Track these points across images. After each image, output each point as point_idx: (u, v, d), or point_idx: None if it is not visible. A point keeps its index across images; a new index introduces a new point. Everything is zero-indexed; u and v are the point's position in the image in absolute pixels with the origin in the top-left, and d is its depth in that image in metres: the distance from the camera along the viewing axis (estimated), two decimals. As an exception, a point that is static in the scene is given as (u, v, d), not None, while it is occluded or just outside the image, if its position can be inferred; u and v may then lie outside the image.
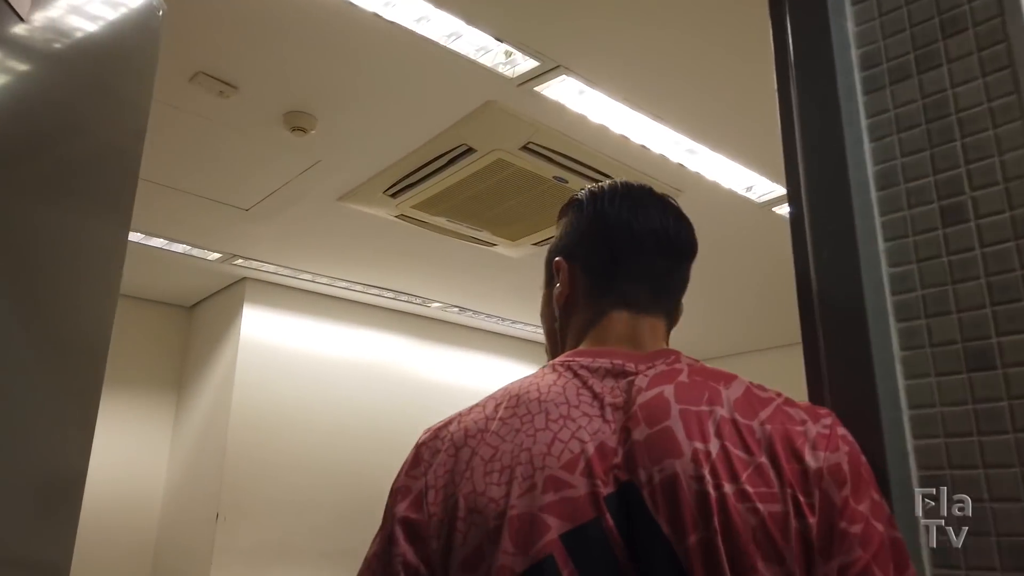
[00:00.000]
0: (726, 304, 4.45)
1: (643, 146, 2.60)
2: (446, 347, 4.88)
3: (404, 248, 3.65)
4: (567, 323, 0.86)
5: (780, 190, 2.92)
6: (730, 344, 5.36)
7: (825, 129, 0.85)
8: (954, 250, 0.75)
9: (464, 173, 2.75)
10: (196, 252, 3.72)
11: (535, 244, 3.40)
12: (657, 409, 0.68)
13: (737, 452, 0.65)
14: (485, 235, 3.31)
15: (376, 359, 4.52)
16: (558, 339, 0.87)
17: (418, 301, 4.46)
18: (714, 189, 2.88)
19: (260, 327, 4.11)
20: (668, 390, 0.70)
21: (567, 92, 2.33)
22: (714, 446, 0.65)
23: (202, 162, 2.80)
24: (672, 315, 0.84)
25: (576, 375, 0.74)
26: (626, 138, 2.55)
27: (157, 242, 3.59)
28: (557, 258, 0.87)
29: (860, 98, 0.85)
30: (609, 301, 0.81)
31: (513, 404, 0.73)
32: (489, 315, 4.73)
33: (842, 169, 0.82)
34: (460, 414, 0.77)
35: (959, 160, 0.76)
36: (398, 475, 0.79)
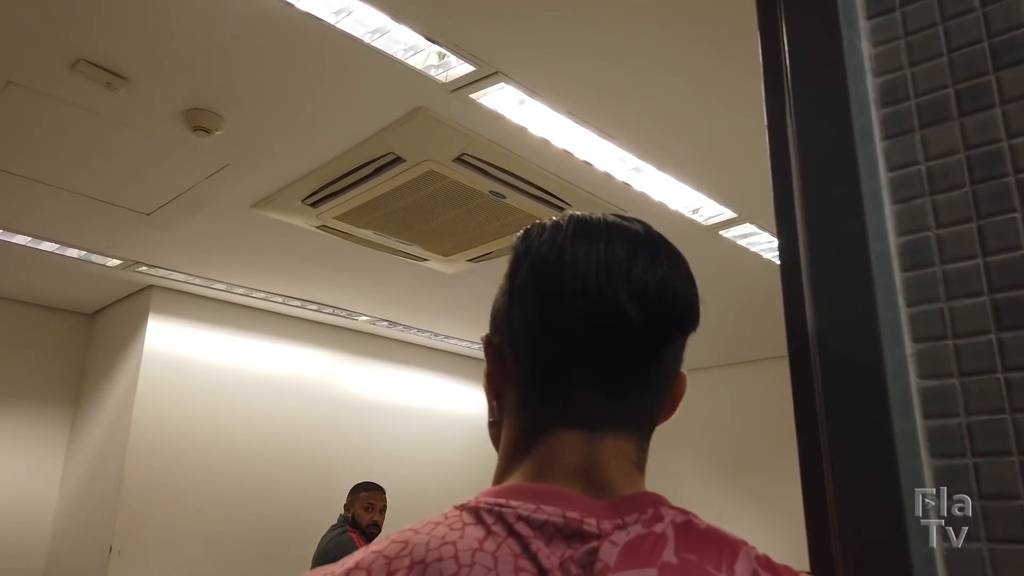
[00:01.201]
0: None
1: (587, 162, 2.40)
2: (375, 362, 4.60)
3: (328, 259, 3.38)
4: (500, 428, 0.62)
5: (728, 213, 2.77)
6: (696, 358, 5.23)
7: (833, 182, 0.64)
8: (1012, 366, 0.55)
9: (392, 184, 2.50)
10: (94, 258, 3.36)
11: (470, 260, 3.17)
12: None
13: None
14: (415, 249, 3.06)
15: (297, 374, 4.21)
16: (494, 440, 0.64)
17: (343, 314, 4.17)
18: (660, 211, 2.70)
19: (167, 338, 3.76)
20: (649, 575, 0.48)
21: (506, 101, 2.11)
22: None
23: (93, 161, 2.47)
24: (652, 425, 0.60)
25: (512, 532, 0.50)
26: (569, 153, 2.34)
27: (48, 246, 3.22)
28: (483, 335, 0.63)
29: (879, 143, 0.64)
30: (548, 411, 0.57)
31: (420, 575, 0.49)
32: (421, 330, 4.47)
33: (858, 235, 0.61)
34: None
35: (1019, 236, 0.56)
36: None
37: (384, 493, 3.54)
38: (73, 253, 3.30)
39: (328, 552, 3.24)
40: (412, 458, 4.57)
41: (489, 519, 0.51)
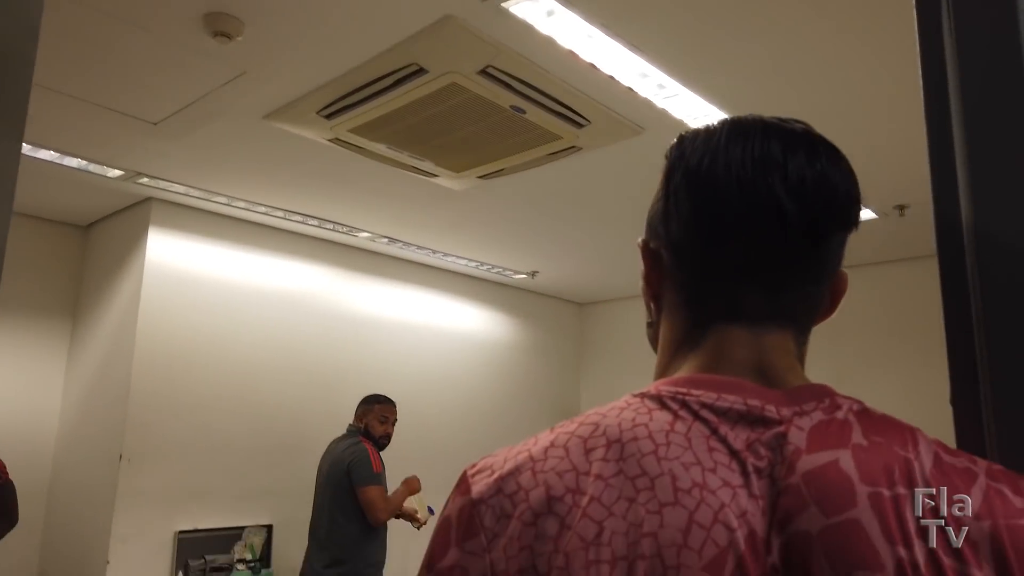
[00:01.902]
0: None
1: (611, 77, 2.37)
2: (374, 279, 4.61)
3: (333, 174, 3.34)
4: (659, 328, 0.65)
5: (745, 133, 2.76)
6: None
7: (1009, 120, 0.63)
8: None
9: (412, 96, 2.46)
10: (93, 168, 3.28)
11: (481, 177, 3.15)
12: (834, 488, 0.49)
13: (949, 562, 0.47)
14: (427, 165, 3.03)
15: (297, 289, 4.21)
16: (653, 344, 0.67)
17: (344, 230, 4.15)
18: (679, 128, 2.69)
19: (168, 252, 3.73)
20: (845, 458, 0.50)
21: (537, 11, 2.06)
22: (920, 553, 0.47)
23: (99, 65, 2.38)
24: (811, 321, 0.61)
25: (697, 417, 0.53)
26: (594, 67, 2.31)
27: (46, 154, 3.13)
28: (639, 239, 0.65)
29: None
30: (710, 309, 0.59)
31: (616, 455, 0.52)
32: (421, 247, 4.47)
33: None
34: (528, 456, 0.55)
35: None
36: (437, 544, 0.56)
37: (395, 407, 3.61)
38: (72, 163, 3.22)
39: (343, 461, 3.32)
40: (411, 374, 4.65)
41: (674, 405, 0.55)
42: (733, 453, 0.52)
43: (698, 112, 2.60)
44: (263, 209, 3.80)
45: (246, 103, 2.62)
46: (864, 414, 0.55)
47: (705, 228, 0.59)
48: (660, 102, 2.53)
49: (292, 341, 4.13)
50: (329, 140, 2.84)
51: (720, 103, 2.55)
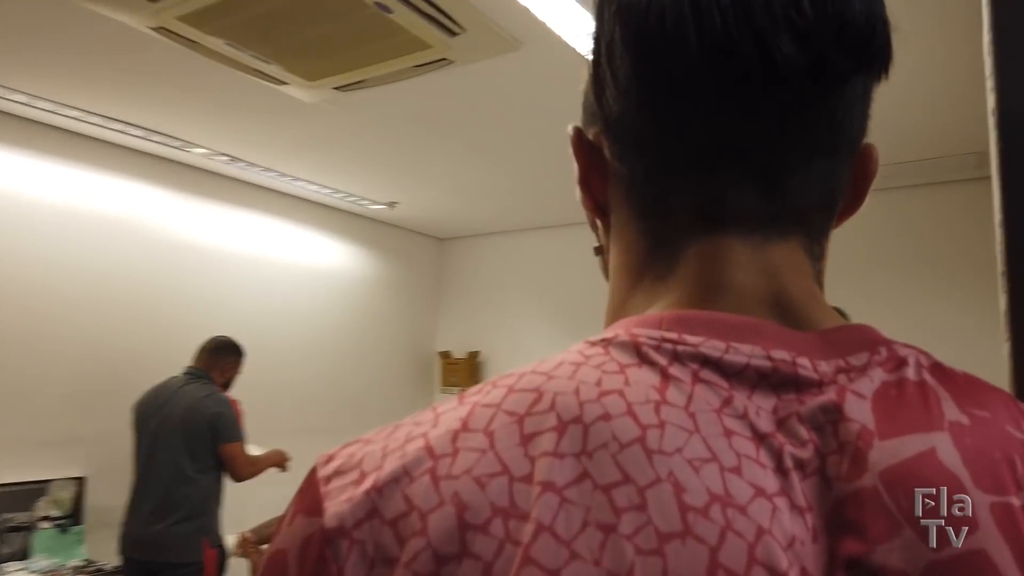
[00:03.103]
0: (552, 174, 4.20)
1: (491, -21, 2.11)
2: (210, 202, 4.12)
3: (160, 74, 2.86)
4: (610, 250, 0.45)
5: (627, 58, 2.60)
6: (545, 216, 5.20)
7: None
8: None
9: (256, -21, 2.08)
10: None
11: (338, 88, 2.80)
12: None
13: None
14: (275, 69, 2.64)
15: (118, 212, 3.67)
16: (604, 272, 0.46)
17: (176, 144, 3.64)
18: (560, 48, 2.48)
19: (-51, 159, 3.09)
20: (944, 446, 0.32)
21: None
22: None
23: None
24: (829, 220, 0.41)
25: (698, 379, 0.33)
26: (474, -36, 2.04)
27: None
28: (569, 128, 0.44)
29: None
30: (679, 213, 0.39)
31: (577, 446, 0.31)
32: (266, 168, 4.03)
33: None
34: (425, 447, 0.32)
35: None
36: None
37: None
38: None
39: (205, 411, 2.98)
40: (252, 310, 4.25)
41: (660, 359, 0.34)
42: (760, 437, 0.32)
43: (583, 31, 2.40)
44: (74, 113, 3.22)
45: (42, -29, 2.12)
46: (942, 372, 0.36)
47: (655, 89, 0.38)
48: (543, 14, 2.29)
49: (110, 271, 3.60)
50: (153, 29, 2.38)
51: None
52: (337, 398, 4.76)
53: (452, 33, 2.36)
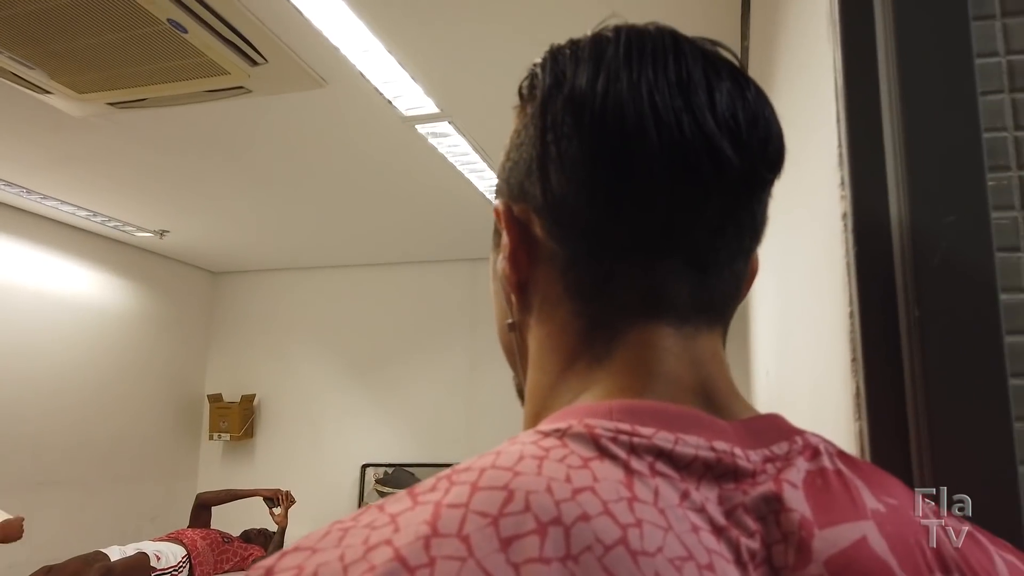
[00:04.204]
0: (338, 215, 4.10)
1: (302, 12, 2.05)
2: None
3: None
4: (530, 329, 0.44)
5: (430, 107, 2.64)
6: (327, 255, 5.04)
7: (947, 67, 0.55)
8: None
9: (26, -25, 1.84)
10: None
11: (113, 104, 2.54)
12: None
13: None
14: (37, 76, 2.33)
15: None
16: (517, 353, 0.45)
17: None
18: (365, 90, 2.46)
19: None
20: (872, 534, 0.35)
21: (223, -95, 1.67)
22: None
23: None
24: (733, 312, 0.45)
25: (655, 471, 0.34)
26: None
27: None
28: (496, 202, 0.44)
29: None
30: (617, 299, 0.41)
31: (560, 551, 0.29)
32: (10, 183, 3.51)
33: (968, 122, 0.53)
34: (395, 558, 0.28)
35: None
36: None
37: None
38: None
39: None
40: (-18, 342, 3.65)
41: (620, 452, 0.34)
42: (718, 530, 0.33)
43: (392, 78, 2.40)
44: None
45: None
46: (848, 459, 0.40)
47: (608, 179, 0.39)
48: (353, 56, 2.27)
49: None
50: None
51: (422, 79, 2.39)
52: (84, 445, 4.20)
53: (253, 63, 2.25)
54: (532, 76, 0.44)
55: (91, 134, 2.92)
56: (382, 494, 4.62)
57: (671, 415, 0.37)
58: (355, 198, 3.74)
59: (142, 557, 3.07)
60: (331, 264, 5.08)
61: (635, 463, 0.34)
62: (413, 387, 4.82)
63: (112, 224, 4.16)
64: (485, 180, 3.40)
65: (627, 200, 0.39)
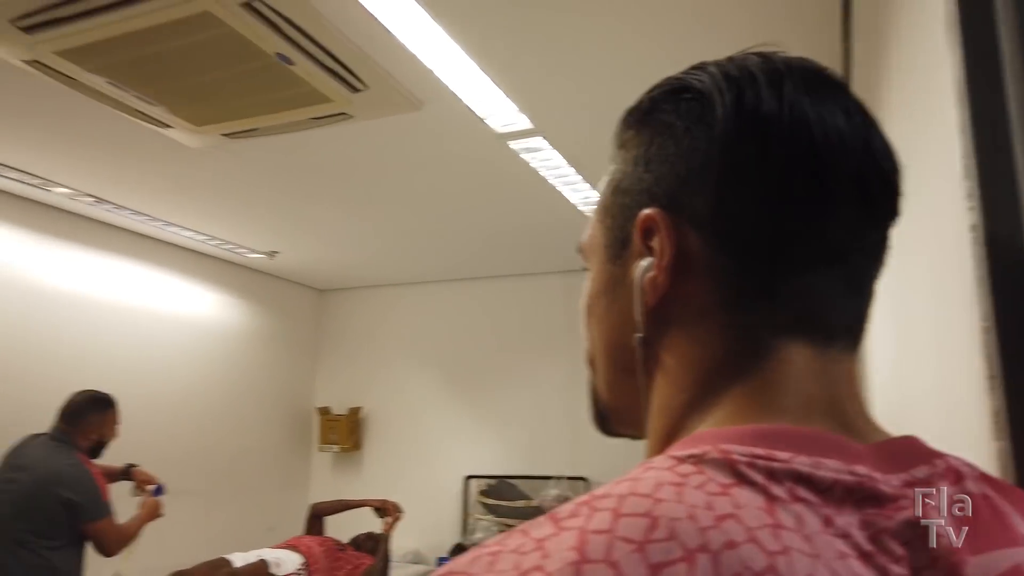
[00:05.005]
0: (438, 231, 4.20)
1: (398, 38, 2.11)
2: (73, 247, 3.81)
3: (25, 107, 2.65)
4: (663, 343, 0.43)
5: (524, 123, 2.67)
6: (428, 271, 5.16)
7: None
8: None
9: (149, 21, 1.97)
10: None
11: (227, 135, 2.69)
12: None
13: None
14: (159, 112, 2.50)
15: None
16: (642, 370, 0.44)
17: (36, 183, 3.36)
18: (461, 111, 2.51)
19: None
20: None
21: (324, -58, 1.74)
22: None
23: None
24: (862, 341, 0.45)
25: (796, 497, 0.33)
26: (379, 23, 2.04)
27: None
28: (648, 210, 0.43)
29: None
30: (777, 313, 0.40)
31: (711, 574, 0.30)
32: (136, 212, 3.78)
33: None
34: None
35: None
36: None
37: None
38: None
39: (59, 484, 2.66)
40: (118, 362, 3.93)
41: (758, 478, 0.34)
42: (865, 556, 0.32)
43: (486, 96, 2.44)
44: (-83, 144, 2.91)
45: (-101, -8, 1.92)
46: (993, 483, 0.38)
47: (790, 196, 0.40)
48: (448, 77, 2.32)
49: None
50: (26, 62, 2.20)
51: (515, 95, 2.42)
52: (206, 457, 4.45)
53: (354, 89, 2.34)
54: (692, 85, 0.44)
55: (207, 163, 3.11)
56: (486, 505, 4.67)
57: (806, 438, 0.36)
58: (452, 214, 3.81)
59: (262, 564, 3.21)
60: (431, 279, 5.20)
61: (775, 489, 0.33)
62: (514, 399, 4.85)
63: (227, 247, 4.41)
64: (578, 193, 3.40)
65: (805, 218, 0.40)
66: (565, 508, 0.34)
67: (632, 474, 0.35)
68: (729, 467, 0.34)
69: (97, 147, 2.98)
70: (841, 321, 0.41)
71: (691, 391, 0.42)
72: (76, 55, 2.15)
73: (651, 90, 0.47)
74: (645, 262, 0.43)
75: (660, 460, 0.36)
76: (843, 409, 0.40)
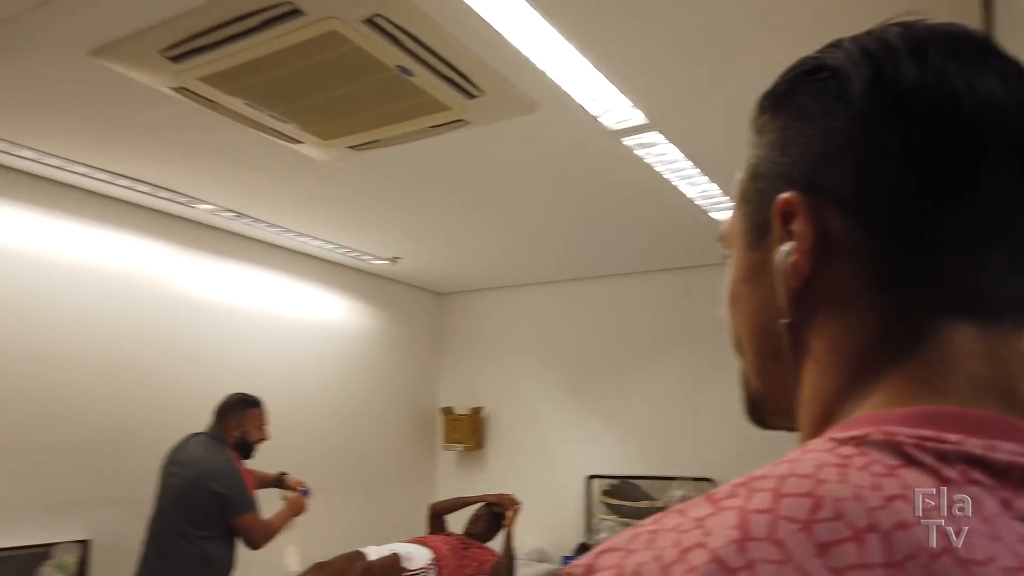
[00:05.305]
0: (555, 231, 4.23)
1: (511, 42, 2.15)
2: (214, 259, 4.10)
3: (172, 132, 2.87)
4: (811, 327, 0.43)
5: (639, 118, 2.64)
6: (543, 272, 5.21)
7: None
8: None
9: (281, 43, 2.10)
10: None
11: (352, 147, 2.82)
12: None
13: None
14: (291, 128, 2.66)
15: (123, 268, 3.64)
16: (790, 356, 0.43)
17: (182, 201, 3.64)
18: (576, 111, 2.52)
19: (-44, 216, 3.07)
20: None
21: (439, -46, 1.80)
22: None
23: None
24: None
25: (970, 480, 0.32)
26: (497, 31, 2.08)
27: None
28: (786, 194, 0.42)
29: None
30: (936, 292, 0.39)
31: (882, 557, 0.29)
32: (271, 224, 4.03)
33: None
34: (712, 558, 0.30)
35: None
36: None
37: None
38: None
39: (211, 478, 2.92)
40: (254, 367, 4.19)
41: (927, 459, 0.33)
42: None
43: (599, 94, 2.44)
44: (81, 169, 3.22)
45: (68, 33, 2.14)
46: None
47: (944, 170, 0.38)
48: (561, 77, 2.33)
49: (116, 328, 3.56)
50: (174, 89, 2.40)
51: (629, 91, 2.41)
52: (341, 456, 4.67)
53: (470, 96, 2.40)
54: (827, 63, 0.43)
55: (334, 176, 3.27)
56: (609, 505, 4.65)
57: (977, 421, 0.35)
58: (567, 214, 3.83)
59: (395, 558, 3.34)
60: (547, 280, 5.23)
61: (946, 471, 0.32)
62: (635, 399, 4.80)
63: (352, 254, 4.61)
64: (695, 187, 3.33)
65: (955, 193, 0.38)
66: (722, 489, 0.34)
67: (790, 456, 0.35)
68: (895, 448, 0.33)
69: (236, 165, 3.20)
70: (1007, 298, 0.39)
71: (844, 376, 0.41)
72: (217, 80, 2.32)
73: (786, 72, 0.46)
74: (786, 247, 0.42)
75: (818, 442, 0.36)
76: (1015, 390, 0.38)
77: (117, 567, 3.15)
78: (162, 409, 3.62)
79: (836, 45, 0.43)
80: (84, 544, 3.24)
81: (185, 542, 2.89)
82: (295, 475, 3.43)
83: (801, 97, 0.44)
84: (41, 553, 3.10)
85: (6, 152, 3.03)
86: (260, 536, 3.01)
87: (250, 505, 2.98)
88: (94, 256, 3.53)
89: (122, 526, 3.27)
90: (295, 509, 3.21)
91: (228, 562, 3.01)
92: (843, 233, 0.40)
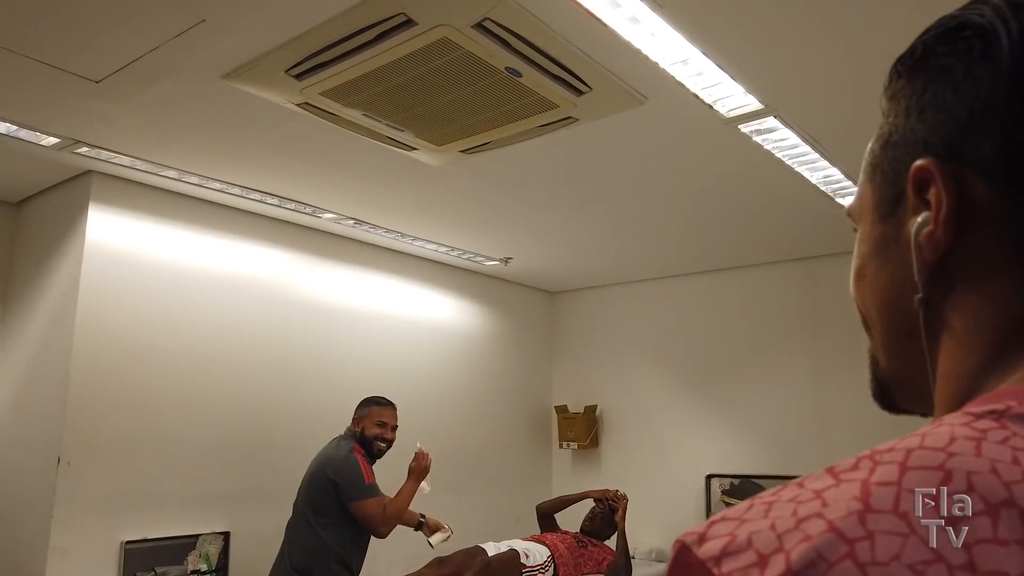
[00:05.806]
0: (667, 225, 4.17)
1: (620, 35, 2.13)
2: (337, 264, 4.30)
3: (297, 145, 3.03)
4: (948, 302, 0.41)
5: (754, 104, 2.56)
6: (656, 267, 5.15)
7: None
8: None
9: (395, 54, 2.18)
10: (24, 134, 2.91)
11: (464, 151, 2.89)
12: None
13: None
14: (406, 136, 2.75)
15: (254, 275, 3.88)
16: (920, 332, 0.42)
17: (307, 211, 3.83)
18: (686, 101, 2.48)
19: (111, 232, 3.36)
20: None
21: (546, -46, 1.81)
22: None
23: (33, 8, 2.04)
24: None
25: None
26: (604, 25, 2.07)
27: (-32, 118, 2.75)
28: (921, 160, 0.41)
29: None
30: None
31: (1019, 530, 0.28)
32: (389, 230, 4.18)
33: None
34: (829, 529, 0.30)
35: None
36: None
37: (395, 409, 3.40)
38: (0, 127, 2.84)
39: (329, 467, 3.12)
40: (375, 367, 4.36)
41: None
42: None
43: (712, 82, 2.39)
44: (218, 185, 3.46)
45: (203, 59, 2.30)
46: None
47: None
48: (672, 68, 2.30)
49: (249, 331, 3.80)
50: (298, 105, 2.53)
51: (743, 77, 2.34)
52: (458, 453, 4.78)
53: (579, 92, 2.40)
54: (954, 29, 0.41)
55: (446, 180, 3.35)
56: (729, 505, 4.52)
57: None
58: (680, 206, 3.76)
59: (514, 554, 3.39)
60: (660, 275, 5.15)
61: None
62: (754, 396, 4.65)
63: (466, 256, 4.71)
64: (817, 172, 3.19)
65: None
66: (843, 463, 0.33)
67: (921, 431, 0.34)
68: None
69: (354, 174, 3.34)
70: None
71: (985, 352, 0.39)
72: (337, 93, 2.43)
73: (923, 34, 0.44)
74: (921, 217, 0.40)
75: (952, 416, 0.34)
76: None
77: (254, 557, 3.36)
78: (290, 407, 3.83)
79: (982, 1, 0.41)
80: (225, 535, 3.48)
81: (306, 527, 3.08)
82: (403, 467, 3.51)
83: (941, 59, 0.42)
84: (188, 543, 3.36)
85: (151, 172, 3.29)
86: (379, 520, 3.10)
87: (364, 492, 3.09)
88: (233, 266, 3.78)
89: (259, 519, 3.48)
90: (420, 472, 3.31)
91: (343, 548, 3.11)
92: (987, 201, 0.38)
